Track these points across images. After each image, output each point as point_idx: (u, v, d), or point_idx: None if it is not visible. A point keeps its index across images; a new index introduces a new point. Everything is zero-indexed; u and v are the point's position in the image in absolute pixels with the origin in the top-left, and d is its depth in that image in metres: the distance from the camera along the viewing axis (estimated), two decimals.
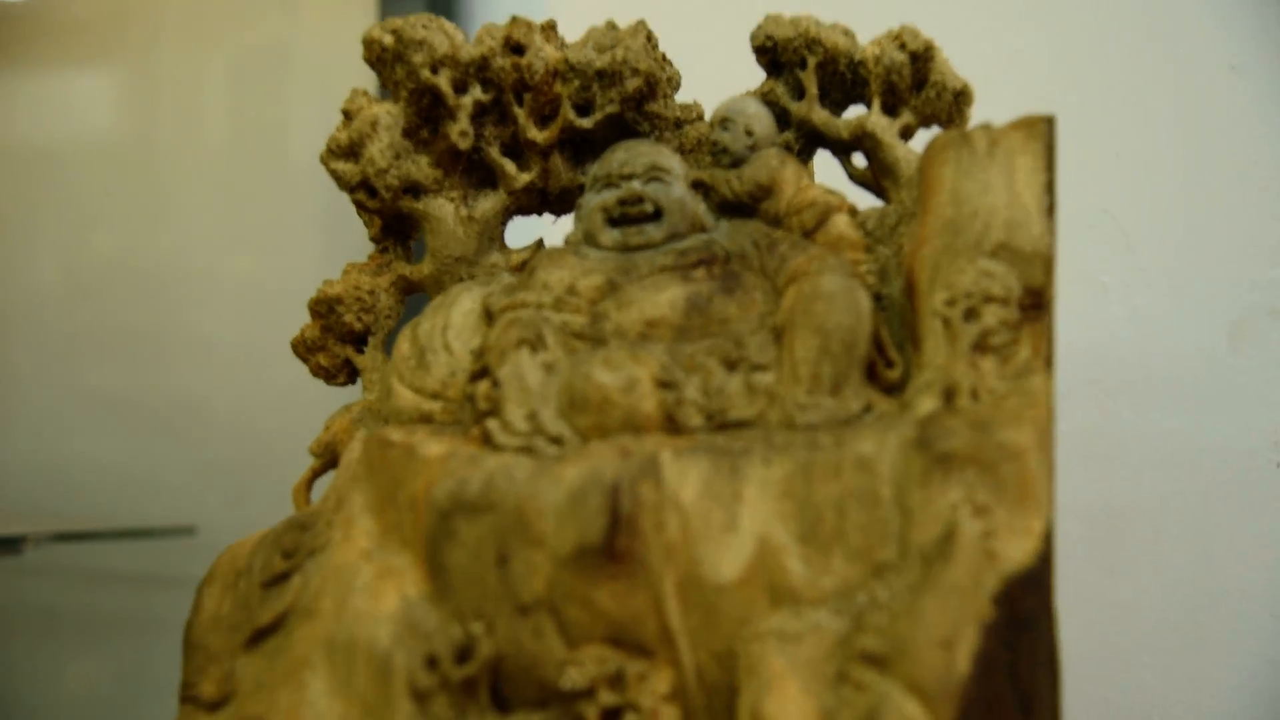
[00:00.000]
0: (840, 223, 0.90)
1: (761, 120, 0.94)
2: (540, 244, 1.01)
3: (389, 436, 0.84)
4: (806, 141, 0.97)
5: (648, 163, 0.92)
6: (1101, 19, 1.43)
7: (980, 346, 0.79)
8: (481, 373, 0.85)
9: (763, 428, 0.79)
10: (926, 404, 0.79)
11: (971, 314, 0.80)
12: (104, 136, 2.06)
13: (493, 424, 0.80)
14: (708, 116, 1.00)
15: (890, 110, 0.94)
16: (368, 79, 1.15)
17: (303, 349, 0.98)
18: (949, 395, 0.79)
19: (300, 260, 1.85)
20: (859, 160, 0.97)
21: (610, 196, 0.92)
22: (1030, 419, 0.76)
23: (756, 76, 0.99)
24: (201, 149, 1.99)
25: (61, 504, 1.93)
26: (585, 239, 0.93)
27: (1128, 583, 1.37)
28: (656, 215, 0.91)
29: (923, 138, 0.94)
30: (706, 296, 0.84)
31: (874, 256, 0.89)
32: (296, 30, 1.96)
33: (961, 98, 0.94)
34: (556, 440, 0.79)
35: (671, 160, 0.93)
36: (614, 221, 0.91)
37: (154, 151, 2.02)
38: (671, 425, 0.79)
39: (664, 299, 0.84)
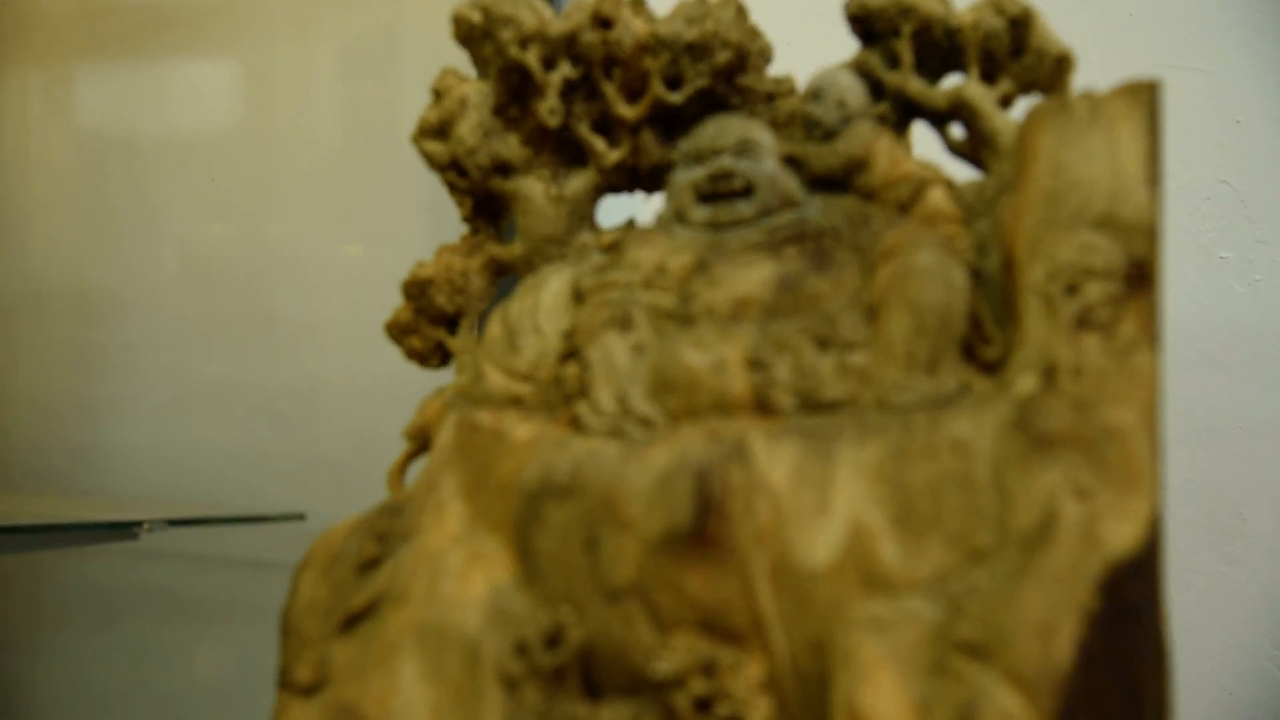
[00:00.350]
0: (936, 196, 0.87)
1: (854, 92, 0.92)
2: (632, 223, 0.99)
3: (478, 420, 0.83)
4: (902, 113, 0.94)
5: (738, 137, 0.90)
6: None
7: (1082, 322, 0.77)
8: (572, 355, 0.84)
9: (855, 409, 0.77)
10: (1025, 383, 0.76)
11: (1072, 289, 0.77)
12: (220, 127, 2.09)
13: (581, 407, 0.79)
14: (801, 90, 0.97)
15: (988, 78, 0.91)
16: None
17: (396, 332, 0.98)
18: (1049, 374, 0.76)
19: (408, 247, 1.85)
20: (957, 131, 0.94)
21: (700, 173, 0.90)
22: (1135, 398, 0.73)
23: (850, 47, 0.97)
24: (313, 138, 2.02)
25: (177, 490, 1.96)
26: (676, 216, 0.91)
27: (1248, 573, 1.32)
28: (747, 191, 0.89)
29: (1023, 107, 0.91)
30: (798, 274, 0.82)
31: (972, 230, 0.86)
32: (404, 16, 1.96)
33: (1062, 64, 0.90)
34: (645, 422, 0.77)
35: (762, 134, 0.91)
36: (704, 198, 0.90)
37: (267, 141, 2.05)
38: (762, 406, 0.77)
39: (754, 277, 0.82)
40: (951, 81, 0.93)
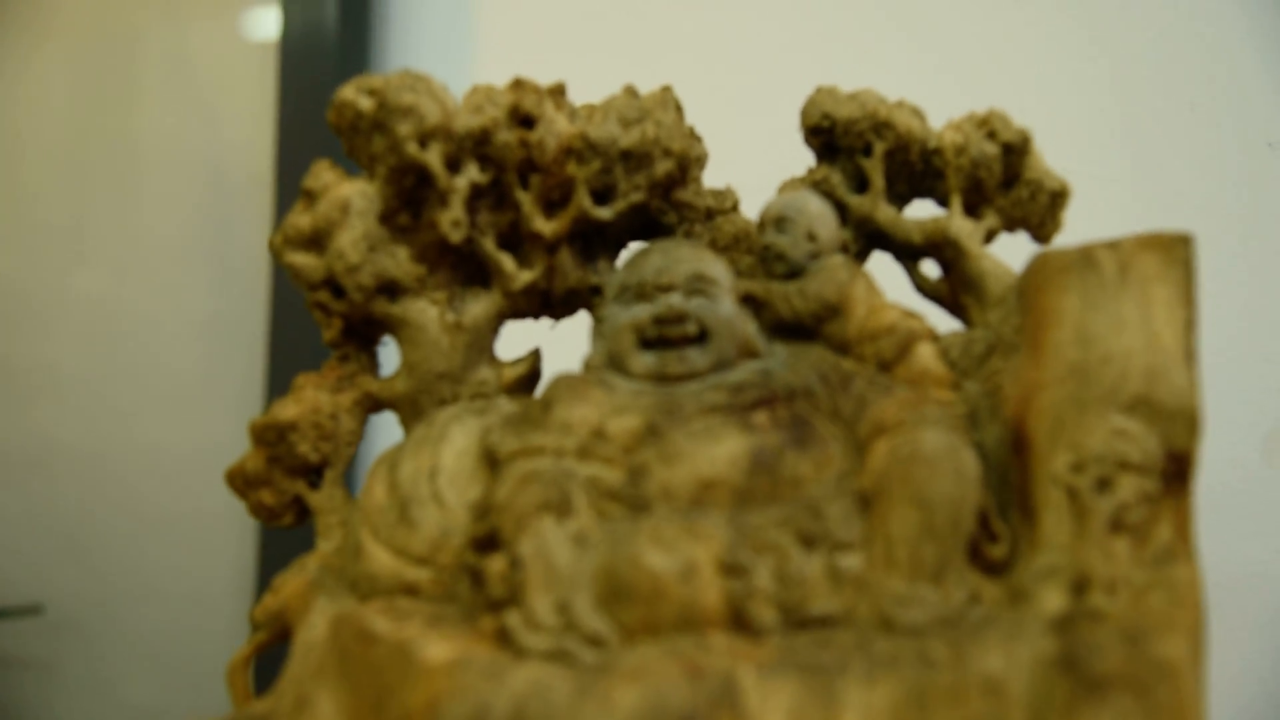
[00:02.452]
0: (925, 354, 0.74)
1: (825, 222, 0.78)
2: (538, 356, 0.83)
3: (370, 625, 0.65)
4: (867, 242, 0.81)
5: (690, 271, 0.75)
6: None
7: (1115, 525, 0.65)
8: (488, 540, 0.67)
9: (853, 627, 0.63)
10: (1052, 599, 0.65)
11: (1104, 484, 0.65)
12: None
13: (513, 618, 0.62)
14: (745, 206, 0.83)
15: (970, 210, 0.78)
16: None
17: (241, 483, 0.78)
18: (1079, 588, 0.64)
19: (157, 279, 1.65)
20: (929, 267, 0.81)
21: (644, 313, 0.74)
22: (1182, 624, 0.63)
23: (786, 151, 0.83)
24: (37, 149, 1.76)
25: None
26: (611, 363, 0.76)
27: None
28: (701, 338, 0.74)
29: (1005, 246, 0.79)
30: (774, 451, 0.67)
31: (962, 395, 0.73)
32: (142, 22, 1.74)
33: (1057, 200, 0.78)
34: (595, 641, 0.61)
35: (717, 268, 0.76)
36: (648, 343, 0.74)
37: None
38: (739, 622, 0.62)
39: (722, 453, 0.67)
40: (920, 209, 0.80)
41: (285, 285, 1.49)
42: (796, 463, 0.67)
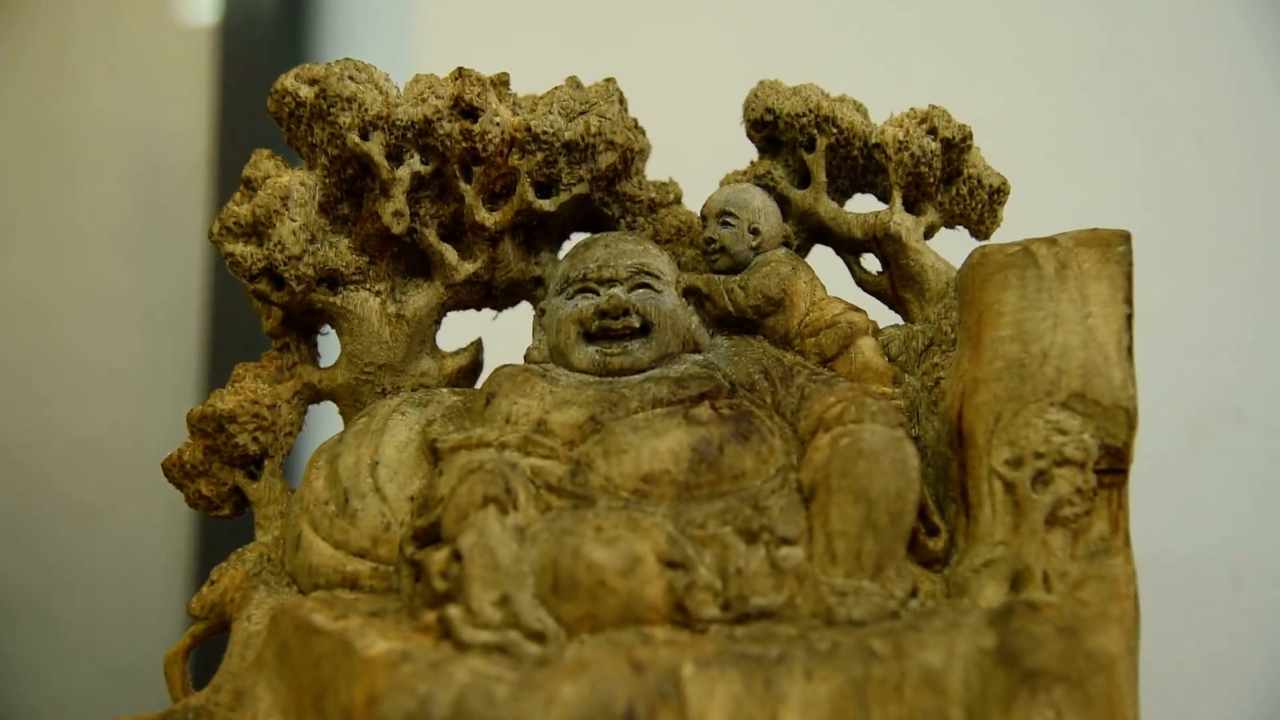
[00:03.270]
0: (866, 349, 0.75)
1: (768, 217, 0.78)
2: (479, 346, 0.82)
3: (309, 618, 0.65)
4: (808, 236, 0.81)
5: (633, 264, 0.75)
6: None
7: (1051, 519, 0.66)
8: (430, 533, 0.66)
9: (794, 621, 0.63)
10: (990, 592, 0.66)
11: (1041, 478, 0.66)
12: None
13: (454, 612, 0.62)
14: (684, 198, 0.83)
15: (910, 206, 0.78)
16: None
17: (178, 474, 0.77)
18: (1016, 581, 0.65)
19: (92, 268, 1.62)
20: (869, 262, 0.82)
21: (587, 306, 0.74)
22: (1116, 616, 0.64)
23: (718, 140, 0.83)
24: None
25: None
26: (553, 356, 0.75)
27: None
28: (644, 330, 0.74)
29: (943, 242, 0.79)
30: (717, 445, 0.67)
31: (902, 389, 0.74)
32: None
33: (996, 197, 0.79)
34: (537, 636, 0.61)
35: (660, 261, 0.76)
36: (590, 336, 0.74)
37: None
38: (681, 615, 0.63)
39: (664, 447, 0.67)
40: (861, 205, 0.81)
41: (223, 273, 1.47)
42: (738, 456, 0.67)
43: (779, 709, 0.59)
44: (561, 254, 0.83)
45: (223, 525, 0.90)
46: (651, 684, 0.58)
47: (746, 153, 0.83)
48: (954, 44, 1.36)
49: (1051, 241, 0.70)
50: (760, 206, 0.78)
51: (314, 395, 0.79)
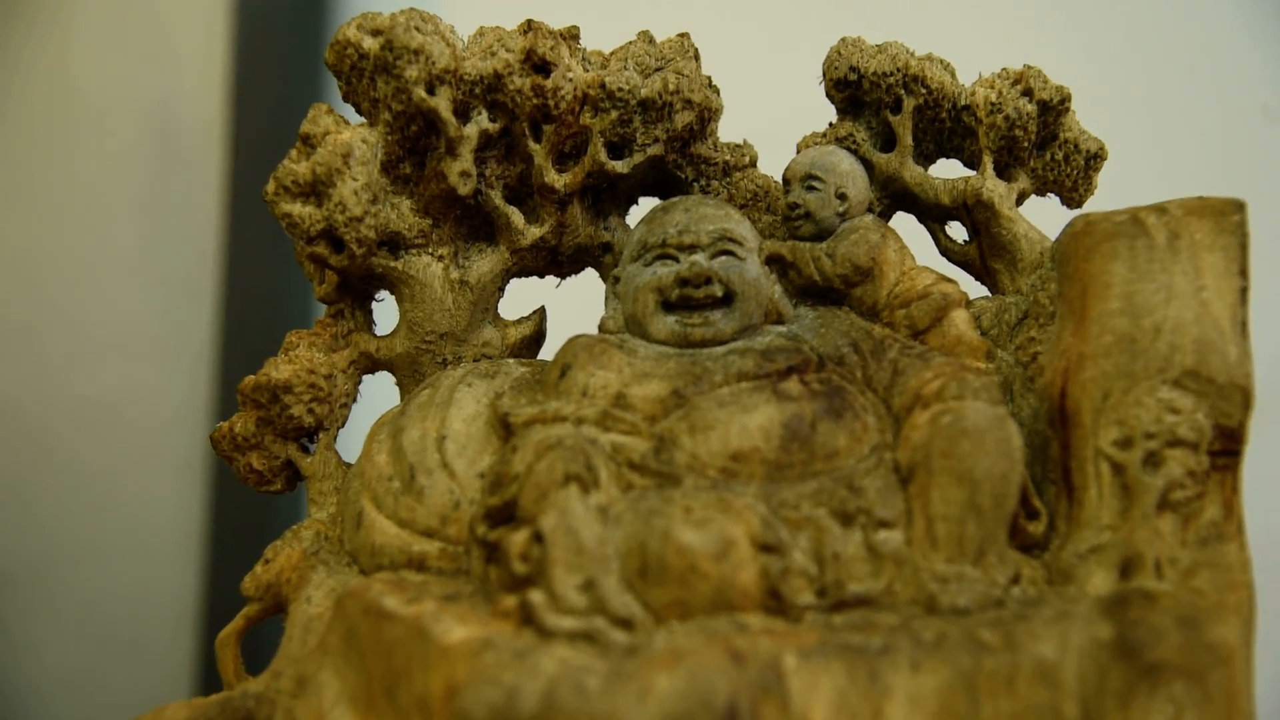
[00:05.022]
0: (959, 321, 0.71)
1: (856, 182, 0.74)
2: (543, 314, 0.79)
3: (379, 602, 0.61)
4: (891, 203, 0.77)
5: (715, 229, 0.71)
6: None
7: (1161, 503, 0.62)
8: (504, 512, 0.63)
9: (892, 608, 0.60)
10: (1099, 580, 0.63)
11: (1152, 460, 0.63)
12: None
13: (537, 597, 0.58)
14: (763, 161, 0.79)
15: (999, 171, 0.75)
16: None
17: (228, 446, 0.73)
18: (1126, 568, 0.62)
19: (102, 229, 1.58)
20: (955, 229, 0.78)
21: (667, 273, 0.70)
22: (1233, 606, 0.62)
23: (795, 100, 0.79)
24: None
25: None
26: (630, 326, 0.72)
27: None
28: (726, 300, 0.70)
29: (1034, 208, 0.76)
30: (809, 422, 0.64)
31: (996, 364, 0.70)
32: None
33: (1094, 162, 0.75)
34: (625, 623, 0.57)
35: (744, 227, 0.72)
36: (669, 306, 0.70)
37: None
38: (775, 602, 0.59)
39: (753, 424, 0.64)
40: (945, 170, 0.77)
41: (238, 235, 1.43)
42: (831, 434, 0.64)
43: (884, 703, 0.56)
44: (630, 219, 0.79)
45: (236, 496, 0.85)
46: (753, 676, 0.55)
47: (821, 113, 0.79)
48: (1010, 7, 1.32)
49: (1161, 210, 0.66)
50: (848, 170, 0.74)
51: (370, 365, 0.75)
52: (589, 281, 0.80)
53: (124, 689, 1.46)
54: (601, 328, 0.73)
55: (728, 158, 0.77)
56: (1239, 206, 0.65)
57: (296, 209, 0.70)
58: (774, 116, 0.82)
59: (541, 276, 0.78)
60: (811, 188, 0.73)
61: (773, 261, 0.74)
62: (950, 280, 0.72)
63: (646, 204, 0.78)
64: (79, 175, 1.60)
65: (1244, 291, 0.64)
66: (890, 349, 0.69)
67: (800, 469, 0.63)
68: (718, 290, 0.70)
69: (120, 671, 1.47)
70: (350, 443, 0.75)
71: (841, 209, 0.73)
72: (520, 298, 0.80)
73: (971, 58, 0.78)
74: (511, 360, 0.73)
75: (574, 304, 0.80)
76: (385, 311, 0.77)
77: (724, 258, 0.70)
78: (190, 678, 1.42)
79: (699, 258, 0.70)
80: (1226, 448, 0.64)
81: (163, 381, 1.53)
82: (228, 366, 1.39)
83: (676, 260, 0.70)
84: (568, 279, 0.80)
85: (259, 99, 1.42)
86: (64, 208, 1.60)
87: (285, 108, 1.36)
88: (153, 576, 1.53)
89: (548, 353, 0.76)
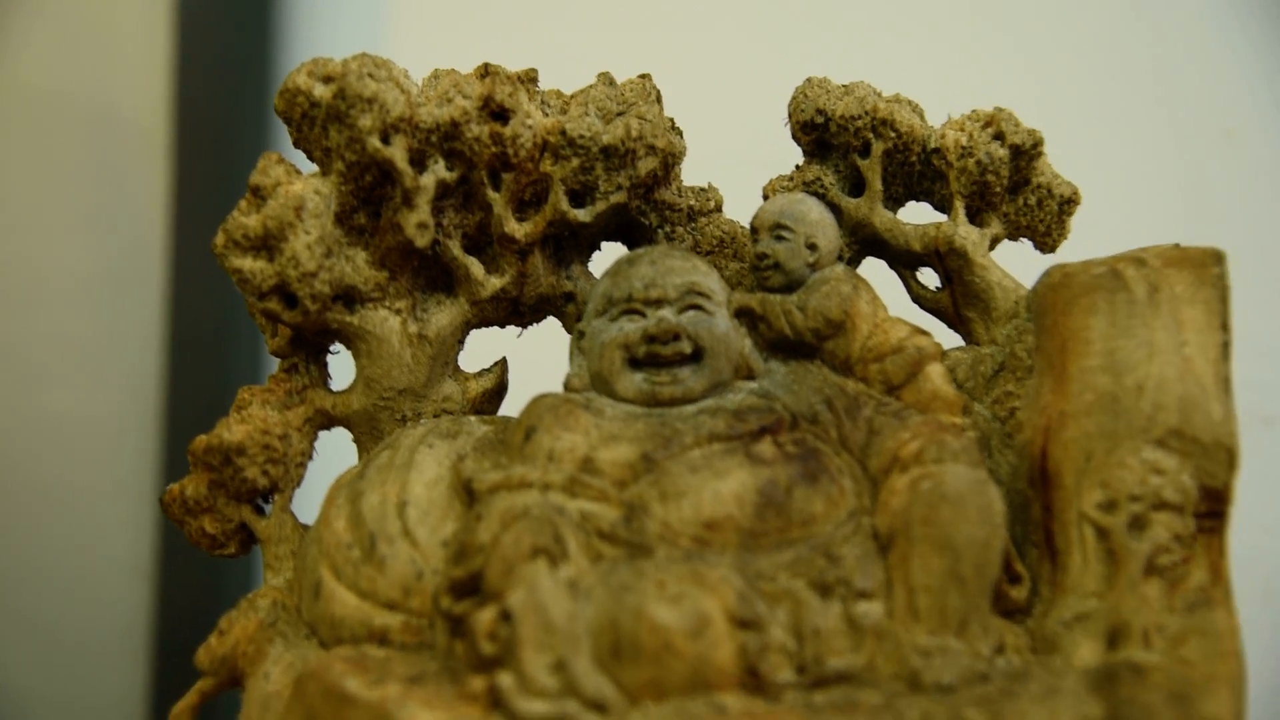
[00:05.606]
0: (935, 375, 0.69)
1: (826, 231, 0.72)
2: (505, 366, 0.76)
3: (341, 684, 0.58)
4: (861, 249, 0.75)
5: (683, 283, 0.69)
6: None
7: (1148, 569, 0.61)
8: (468, 584, 0.60)
9: (874, 684, 0.58)
10: (1085, 650, 0.62)
11: (1138, 524, 0.61)
12: None
13: (506, 680, 0.56)
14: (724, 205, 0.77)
15: (970, 216, 0.73)
16: None
17: (179, 510, 0.70)
18: (1113, 638, 0.61)
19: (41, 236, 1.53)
20: (927, 275, 0.76)
21: (634, 330, 0.68)
22: (1224, 678, 0.60)
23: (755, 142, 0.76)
24: None
25: None
26: (595, 383, 0.69)
27: None
28: (696, 356, 0.68)
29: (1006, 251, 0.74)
30: (784, 487, 0.62)
31: (972, 419, 0.68)
32: None
33: (1067, 207, 0.73)
34: (598, 705, 0.55)
35: (711, 280, 0.70)
36: (636, 363, 0.68)
37: None
38: (753, 680, 0.57)
39: (726, 490, 0.61)
40: (915, 214, 0.75)
41: (184, 248, 1.39)
42: (807, 499, 0.62)
43: None
44: (594, 266, 0.76)
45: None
46: None
47: (784, 152, 0.77)
48: (1007, 42, 1.30)
49: (1139, 261, 0.64)
50: (818, 220, 0.71)
51: (326, 422, 0.72)
52: (551, 330, 0.77)
53: (70, 705, 1.43)
54: (567, 385, 0.70)
55: (692, 202, 0.75)
56: (1218, 258, 0.64)
57: (247, 264, 0.67)
58: (739, 156, 0.80)
59: (502, 327, 0.76)
60: (780, 237, 0.71)
61: (742, 314, 0.71)
62: (924, 332, 0.70)
63: (610, 250, 0.76)
64: (16, 178, 1.55)
65: (1226, 346, 0.63)
66: (865, 406, 0.67)
67: (776, 537, 0.61)
68: (686, 347, 0.67)
69: (67, 694, 1.44)
70: (307, 502, 0.72)
71: (812, 259, 0.71)
72: (480, 347, 0.77)
73: (936, 92, 0.76)
74: (473, 418, 0.71)
75: (535, 353, 0.78)
76: (341, 364, 0.74)
77: (692, 312, 0.68)
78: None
79: (666, 313, 0.68)
80: (1212, 509, 0.62)
81: (106, 393, 1.49)
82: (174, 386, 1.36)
83: (643, 315, 0.68)
84: (529, 327, 0.77)
85: (202, 99, 1.38)
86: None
87: (224, 116, 1.33)
88: (102, 596, 1.49)
89: (510, 406, 0.73)
